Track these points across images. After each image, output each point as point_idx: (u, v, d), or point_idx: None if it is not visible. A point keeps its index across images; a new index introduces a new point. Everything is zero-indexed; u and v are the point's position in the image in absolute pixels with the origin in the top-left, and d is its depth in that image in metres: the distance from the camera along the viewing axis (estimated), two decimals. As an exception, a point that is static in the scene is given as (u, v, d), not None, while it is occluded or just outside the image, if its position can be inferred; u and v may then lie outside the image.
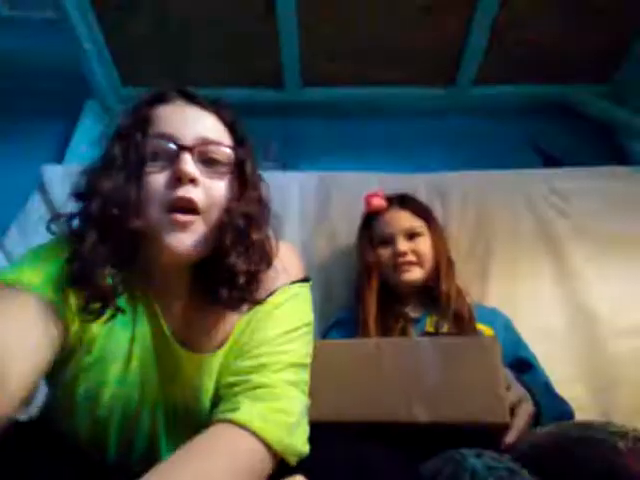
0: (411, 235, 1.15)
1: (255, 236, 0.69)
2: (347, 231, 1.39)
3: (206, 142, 0.69)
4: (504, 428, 0.72)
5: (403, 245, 1.13)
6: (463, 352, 0.74)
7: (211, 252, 0.69)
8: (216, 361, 0.71)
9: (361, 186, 1.46)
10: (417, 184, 1.47)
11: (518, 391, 0.80)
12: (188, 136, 0.68)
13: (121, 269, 0.65)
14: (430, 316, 1.08)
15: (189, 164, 0.66)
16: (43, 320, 0.61)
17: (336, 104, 1.99)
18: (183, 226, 0.65)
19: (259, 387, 0.65)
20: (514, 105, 1.94)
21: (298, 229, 1.42)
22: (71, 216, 0.69)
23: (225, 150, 0.70)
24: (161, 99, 0.72)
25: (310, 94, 1.90)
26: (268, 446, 0.60)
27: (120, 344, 0.68)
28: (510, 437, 0.73)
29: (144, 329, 0.70)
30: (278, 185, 1.48)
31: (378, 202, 1.21)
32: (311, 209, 1.46)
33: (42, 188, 1.48)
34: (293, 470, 0.61)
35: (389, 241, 1.15)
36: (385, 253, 1.15)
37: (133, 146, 0.67)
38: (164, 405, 0.71)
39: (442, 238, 1.21)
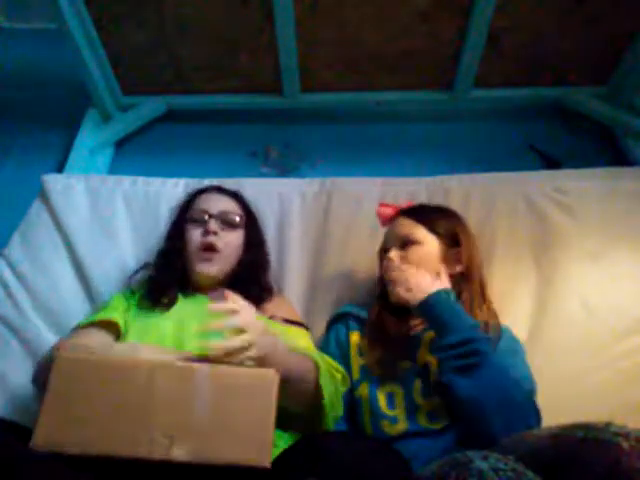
0: (404, 243, 1.07)
1: (258, 268, 1.19)
2: (348, 236, 1.39)
3: (225, 212, 1.16)
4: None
5: (393, 254, 1.05)
6: (239, 384, 0.71)
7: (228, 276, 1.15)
8: None
9: (362, 191, 1.46)
10: (418, 188, 1.47)
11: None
12: (214, 209, 1.15)
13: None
14: (427, 331, 1.02)
15: (212, 224, 1.12)
16: None
17: (335, 109, 2.00)
18: (208, 259, 1.10)
19: None
20: (513, 107, 1.95)
21: (299, 235, 1.42)
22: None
23: (235, 217, 1.17)
24: (202, 191, 1.23)
25: (309, 100, 1.91)
26: None
27: None
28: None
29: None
30: (278, 191, 1.49)
31: (384, 211, 1.18)
32: (312, 215, 1.45)
33: (43, 197, 1.48)
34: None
35: (386, 251, 1.09)
36: (384, 264, 1.09)
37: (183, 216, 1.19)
38: None
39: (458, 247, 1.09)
